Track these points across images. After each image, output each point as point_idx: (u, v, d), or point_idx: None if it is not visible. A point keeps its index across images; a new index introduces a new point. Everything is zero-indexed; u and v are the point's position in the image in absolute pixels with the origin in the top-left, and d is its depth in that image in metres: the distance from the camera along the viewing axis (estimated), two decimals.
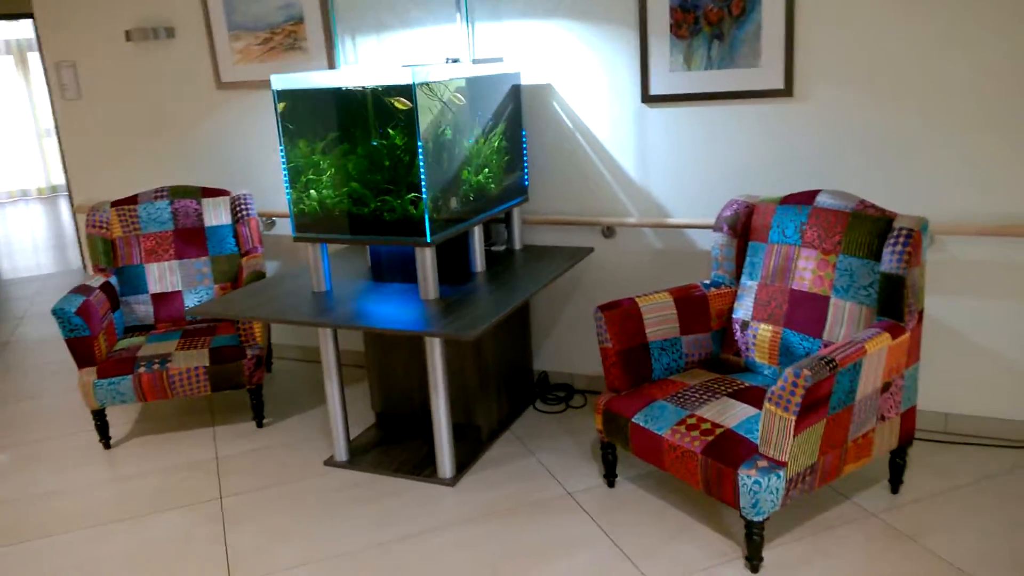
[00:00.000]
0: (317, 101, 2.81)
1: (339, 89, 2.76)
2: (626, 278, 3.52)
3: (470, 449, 3.21)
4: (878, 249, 2.56)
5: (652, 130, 3.30)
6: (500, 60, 3.24)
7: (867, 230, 2.60)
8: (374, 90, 2.70)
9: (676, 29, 3.15)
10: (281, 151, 2.90)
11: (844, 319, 2.62)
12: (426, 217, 2.73)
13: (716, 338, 2.99)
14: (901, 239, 2.48)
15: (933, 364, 3.09)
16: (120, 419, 3.79)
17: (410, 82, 2.63)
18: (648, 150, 3.33)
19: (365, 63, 3.74)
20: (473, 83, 3.05)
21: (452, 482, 2.99)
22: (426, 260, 2.81)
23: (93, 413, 3.43)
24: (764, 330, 2.83)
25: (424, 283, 2.84)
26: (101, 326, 3.51)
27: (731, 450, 2.35)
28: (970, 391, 3.07)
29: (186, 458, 3.34)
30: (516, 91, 3.33)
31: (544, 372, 3.78)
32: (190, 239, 3.90)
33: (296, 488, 3.04)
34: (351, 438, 3.40)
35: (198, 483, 3.13)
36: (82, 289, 3.55)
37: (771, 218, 2.87)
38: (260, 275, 3.61)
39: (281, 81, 2.83)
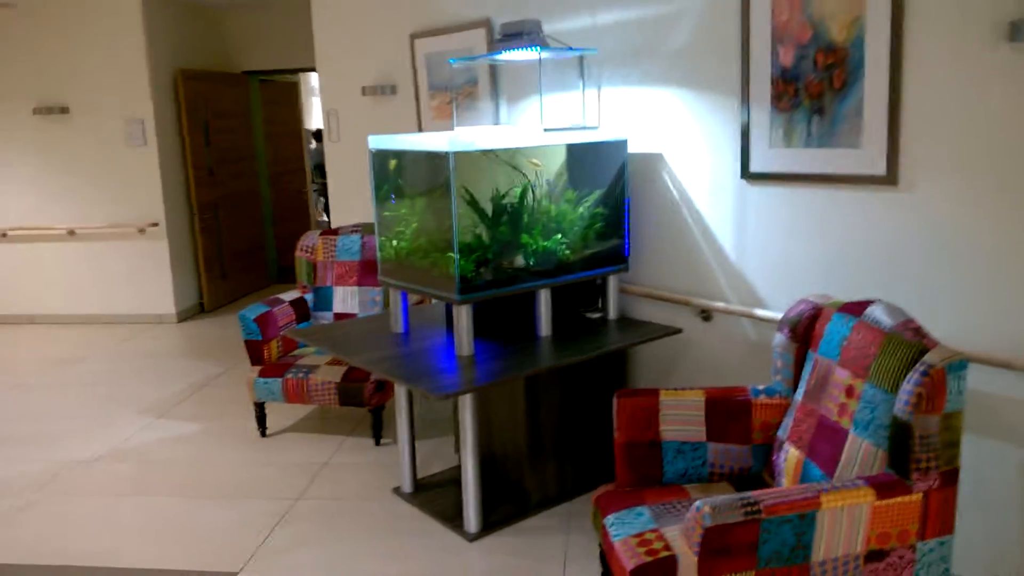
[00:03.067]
0: (403, 161, 3.10)
1: (405, 152, 3.01)
2: (724, 365, 3.21)
3: (512, 512, 3.21)
4: (901, 383, 2.06)
5: (751, 209, 2.99)
6: (595, 128, 3.21)
7: (897, 357, 2.10)
8: (432, 154, 2.90)
9: (777, 101, 2.83)
10: (373, 202, 3.24)
11: (858, 460, 2.15)
12: (456, 275, 2.85)
13: (758, 453, 2.63)
14: (916, 376, 1.98)
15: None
16: (295, 413, 4.46)
17: (448, 150, 2.78)
18: (747, 231, 3.02)
19: (510, 123, 3.93)
20: (561, 150, 3.08)
21: (473, 538, 3.04)
22: (461, 316, 2.93)
23: (255, 405, 4.12)
24: (792, 455, 2.42)
25: (458, 338, 2.95)
26: (277, 333, 4.19)
27: None
28: None
29: (305, 458, 3.85)
30: (621, 158, 3.26)
31: None
32: (371, 270, 4.45)
33: (357, 505, 3.35)
34: (435, 472, 3.61)
35: (294, 480, 3.60)
36: (271, 301, 4.28)
37: (826, 325, 2.45)
38: None
39: (375, 141, 3.17)
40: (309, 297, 4.51)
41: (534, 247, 3.07)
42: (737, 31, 2.91)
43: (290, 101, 8.69)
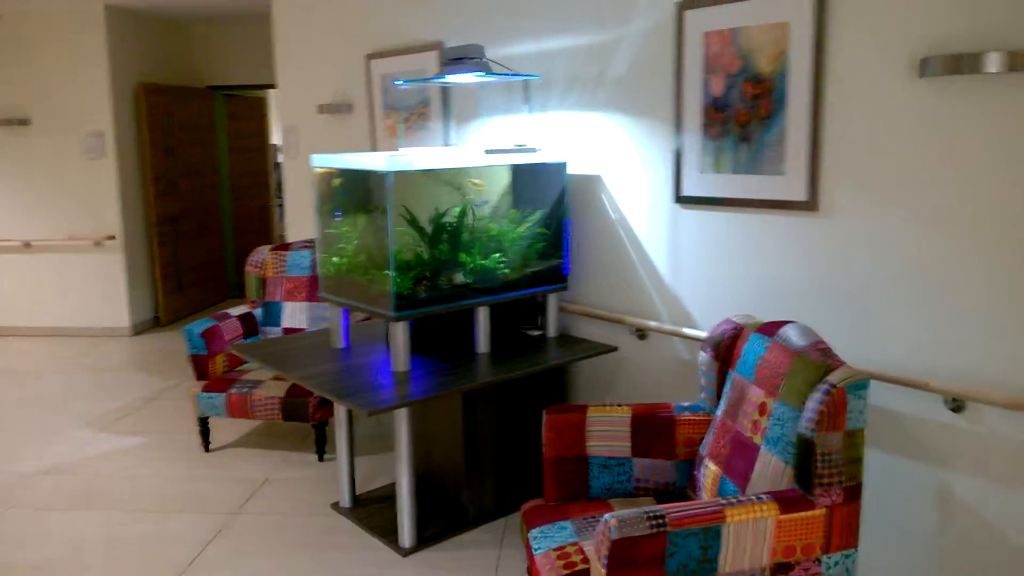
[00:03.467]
0: (344, 179, 3.14)
1: (346, 170, 3.06)
2: (658, 382, 3.28)
3: (449, 526, 3.24)
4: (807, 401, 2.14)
5: (684, 232, 3.07)
6: (535, 150, 3.29)
7: (804, 377, 2.18)
8: (371, 173, 2.95)
9: (708, 128, 2.92)
10: (315, 219, 3.28)
11: (768, 475, 2.22)
12: (392, 293, 2.89)
13: (682, 468, 2.68)
14: (818, 395, 2.05)
15: (956, 562, 2.42)
16: (240, 428, 4.45)
17: (385, 169, 2.83)
18: (680, 252, 3.10)
19: (459, 143, 4.00)
20: (503, 171, 3.15)
21: (406, 552, 3.06)
22: (397, 333, 2.97)
23: (198, 420, 4.11)
24: (711, 470, 2.48)
25: (395, 355, 2.99)
26: (223, 348, 4.20)
27: None
28: None
29: (246, 473, 3.85)
30: (561, 180, 3.34)
31: None
32: None
33: (294, 521, 3.35)
34: (376, 487, 3.62)
35: (233, 496, 3.60)
36: (219, 316, 4.29)
37: (744, 345, 2.52)
38: None
39: (317, 159, 3.21)
40: (258, 312, 4.52)
41: (472, 265, 3.12)
42: (672, 61, 3.01)
43: (256, 116, 8.71)
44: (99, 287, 6.65)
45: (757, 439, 2.29)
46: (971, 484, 2.37)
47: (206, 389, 4.00)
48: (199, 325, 4.13)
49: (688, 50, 2.93)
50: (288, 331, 4.48)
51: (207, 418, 4.12)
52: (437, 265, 3.04)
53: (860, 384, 2.05)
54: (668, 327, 3.15)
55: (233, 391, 3.94)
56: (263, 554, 3.09)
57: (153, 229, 6.90)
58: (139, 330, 6.81)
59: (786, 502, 2.04)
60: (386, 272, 2.91)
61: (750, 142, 2.79)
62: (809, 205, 2.65)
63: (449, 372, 3.01)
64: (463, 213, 3.11)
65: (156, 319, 7.07)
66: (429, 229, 3.05)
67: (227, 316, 4.33)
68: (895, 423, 2.53)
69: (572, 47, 3.37)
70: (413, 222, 3.02)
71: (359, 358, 3.19)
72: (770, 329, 2.44)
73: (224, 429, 4.45)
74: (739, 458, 2.35)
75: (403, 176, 2.91)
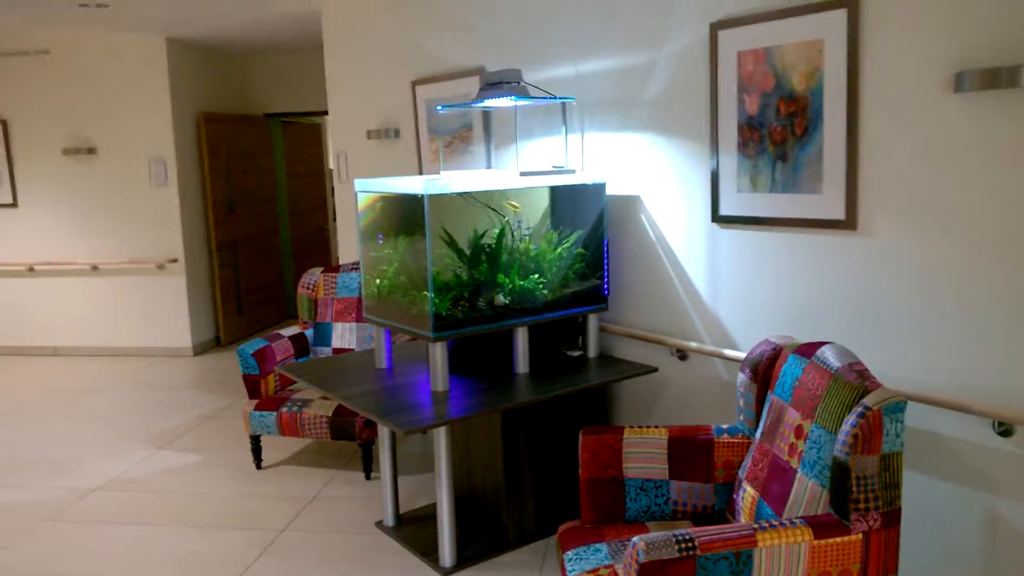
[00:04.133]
0: (385, 203, 3.22)
1: (387, 194, 3.13)
2: (699, 404, 3.25)
3: (489, 546, 3.26)
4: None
5: (722, 252, 3.05)
6: (572, 171, 3.31)
7: (840, 399, 2.14)
8: (409, 196, 3.01)
9: (743, 147, 2.91)
10: (358, 242, 3.36)
11: (804, 500, 2.18)
12: (431, 314, 2.94)
13: (721, 491, 2.65)
14: (853, 418, 2.01)
15: None
16: (292, 447, 4.56)
17: (423, 192, 2.89)
18: (719, 272, 3.08)
19: (501, 166, 4.05)
20: (541, 192, 3.18)
21: (447, 572, 3.09)
22: (435, 354, 3.01)
23: (250, 438, 4.22)
24: (748, 494, 2.45)
25: (433, 374, 3.04)
26: (275, 368, 4.31)
27: None
28: None
29: (295, 491, 3.94)
30: (600, 200, 3.35)
31: None
32: None
33: (339, 539, 3.41)
34: (420, 507, 3.67)
35: (282, 513, 3.68)
36: (271, 336, 4.41)
37: (782, 366, 2.49)
38: None
39: (360, 184, 3.30)
40: (309, 333, 4.63)
41: (511, 286, 3.16)
42: (706, 80, 3.01)
43: (313, 142, 8.95)
44: (162, 309, 6.89)
45: (794, 463, 2.26)
46: (1020, 510, 2.28)
47: (258, 408, 4.11)
48: (252, 345, 4.25)
49: (722, 69, 2.92)
50: (338, 351, 4.58)
51: (259, 436, 4.23)
52: (475, 286, 3.09)
53: (896, 406, 2.01)
54: (708, 347, 3.12)
55: (284, 410, 4.04)
56: (307, 572, 3.15)
57: (214, 253, 7.14)
58: (200, 351, 7.03)
59: (820, 527, 2.01)
60: (425, 293, 2.97)
61: (786, 160, 2.77)
62: (847, 224, 2.61)
63: (488, 392, 3.04)
64: (501, 234, 3.15)
65: (217, 339, 7.29)
66: (468, 251, 3.10)
67: (279, 336, 4.44)
68: (940, 446, 2.46)
69: (609, 69, 3.39)
70: (452, 244, 3.07)
71: (401, 378, 3.25)
72: (807, 350, 2.41)
73: (276, 447, 4.56)
74: (776, 482, 2.32)
75: (440, 199, 2.96)
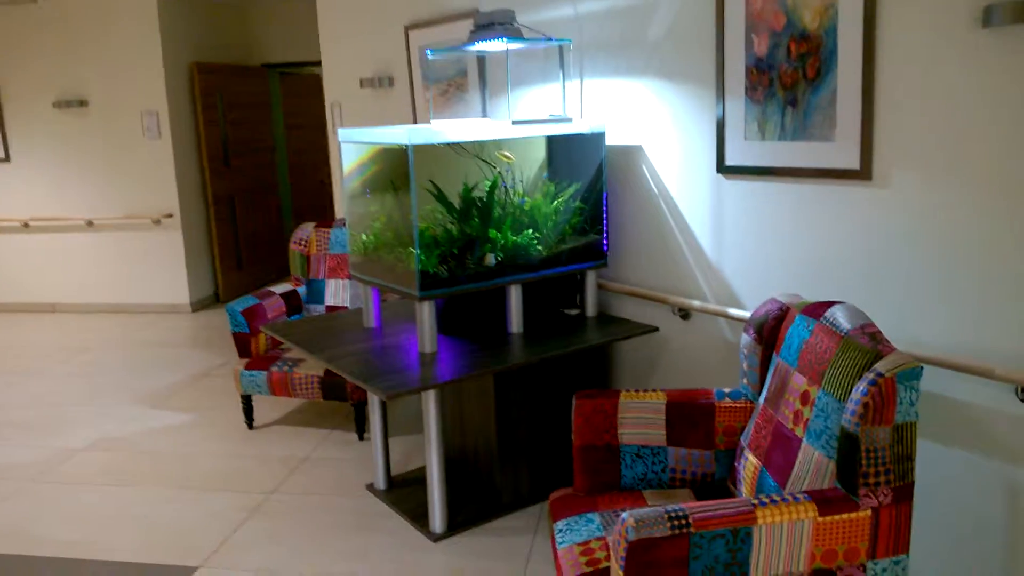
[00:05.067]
0: (369, 154, 3.04)
1: (371, 144, 2.95)
2: (703, 366, 3.10)
3: (482, 511, 3.15)
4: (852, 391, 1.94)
5: (727, 204, 2.87)
6: (568, 120, 3.11)
7: (850, 364, 1.98)
8: (393, 147, 2.83)
9: (751, 92, 2.70)
10: (344, 197, 3.19)
11: (809, 471, 2.03)
12: (416, 271, 2.79)
13: (722, 459, 2.51)
14: (863, 385, 1.85)
15: None
16: (284, 406, 4.45)
17: (406, 143, 2.71)
18: (724, 226, 2.90)
19: (495, 115, 3.85)
20: (536, 143, 2.99)
21: (438, 538, 2.99)
22: (423, 313, 2.86)
23: (242, 398, 4.11)
24: (750, 462, 2.31)
25: (421, 335, 2.89)
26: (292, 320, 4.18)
27: None
28: None
29: (287, 451, 3.83)
30: (599, 151, 3.16)
31: None
32: None
33: (329, 501, 3.31)
34: (413, 468, 3.56)
35: (272, 474, 3.59)
36: (262, 294, 4.27)
37: (789, 327, 2.33)
38: None
39: (343, 134, 3.12)
40: (302, 290, 4.49)
41: (503, 242, 2.99)
42: (712, 19, 2.79)
43: (313, 93, 8.71)
44: (159, 264, 6.77)
45: (799, 431, 2.11)
46: None
47: (248, 367, 3.99)
48: (242, 303, 4.12)
49: (729, 7, 2.70)
50: (331, 309, 4.44)
51: (250, 396, 4.12)
52: (466, 242, 2.92)
53: (911, 373, 1.84)
54: (712, 307, 2.96)
55: (275, 369, 3.92)
56: (294, 535, 3.06)
57: (210, 207, 6.98)
58: (199, 307, 6.92)
59: (826, 503, 1.86)
60: (411, 250, 2.81)
61: (797, 106, 2.56)
62: (861, 174, 2.42)
63: (479, 353, 2.90)
64: (493, 187, 2.97)
65: (216, 296, 7.17)
66: (458, 204, 2.92)
67: (271, 294, 4.31)
68: (958, 413, 2.30)
69: (609, 9, 3.17)
70: (440, 197, 2.90)
71: (391, 338, 3.11)
72: (816, 310, 2.24)
73: (270, 407, 4.45)
74: (779, 451, 2.17)
75: (426, 150, 2.78)
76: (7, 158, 6.80)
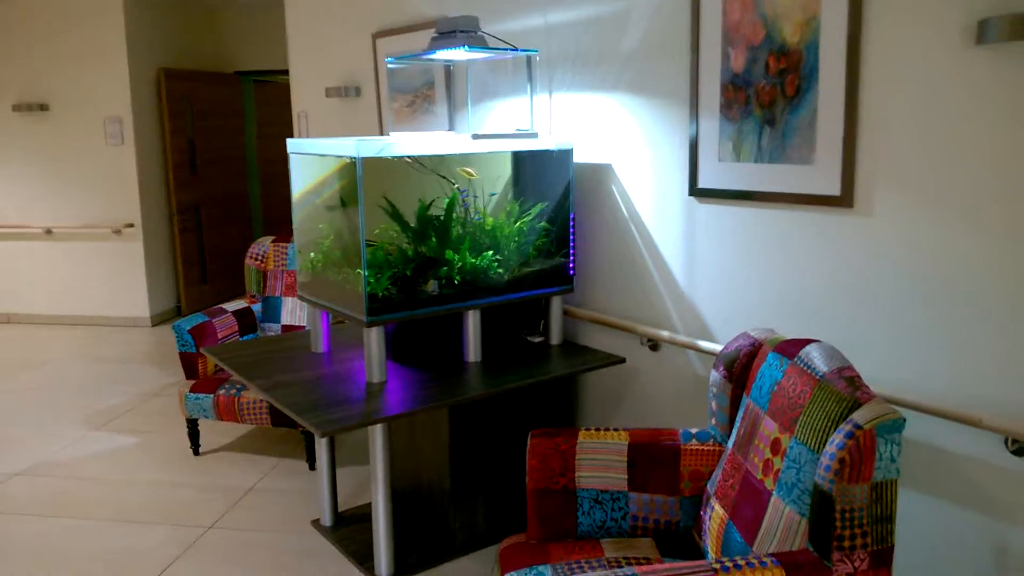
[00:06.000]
0: (317, 166, 2.83)
1: (321, 156, 2.75)
2: (673, 403, 2.90)
3: (434, 553, 2.92)
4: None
5: (700, 230, 2.68)
6: (534, 135, 2.92)
7: (825, 411, 1.79)
8: (339, 159, 2.63)
9: (727, 110, 2.52)
10: (292, 210, 2.99)
11: (778, 528, 1.83)
12: (364, 295, 2.58)
13: (687, 506, 2.31)
14: (839, 438, 1.66)
15: None
16: (234, 431, 4.21)
17: (355, 155, 2.51)
18: (696, 253, 2.71)
19: (463, 128, 3.66)
20: (499, 159, 2.80)
21: None
22: (370, 340, 2.65)
23: (187, 421, 3.87)
24: (716, 513, 2.11)
25: (368, 364, 2.68)
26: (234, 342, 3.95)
27: None
28: None
29: (231, 481, 3.59)
30: (566, 169, 2.97)
31: None
32: None
33: (270, 538, 3.08)
34: (363, 503, 3.33)
35: (212, 506, 3.35)
36: (213, 311, 4.04)
37: (761, 365, 2.13)
38: None
39: (291, 144, 2.91)
40: (257, 307, 4.27)
41: (460, 264, 2.79)
42: (688, 31, 2.61)
43: (288, 102, 8.47)
44: (119, 276, 6.52)
45: (768, 483, 1.91)
46: None
47: (193, 389, 3.76)
48: (189, 321, 3.89)
49: (706, 18, 2.53)
50: (288, 328, 4.22)
51: (196, 420, 3.88)
52: (419, 264, 2.72)
53: (893, 425, 1.65)
54: (682, 338, 2.76)
55: (221, 392, 3.69)
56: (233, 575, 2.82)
57: (174, 216, 6.74)
58: (159, 320, 6.66)
59: (795, 567, 1.66)
60: (359, 271, 2.60)
61: (775, 125, 2.39)
62: (842, 200, 2.24)
63: (432, 384, 2.69)
64: (451, 205, 2.78)
65: (178, 309, 6.92)
66: (413, 223, 2.72)
67: (222, 311, 4.08)
68: (943, 462, 2.11)
69: (580, 19, 2.99)
70: (395, 215, 2.70)
71: (339, 364, 2.89)
72: (790, 349, 2.05)
73: (218, 431, 4.21)
74: (747, 504, 1.97)
75: (378, 163, 2.58)
76: None
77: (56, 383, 5.06)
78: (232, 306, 4.17)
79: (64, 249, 6.55)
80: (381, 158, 2.58)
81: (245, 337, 4.16)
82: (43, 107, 6.34)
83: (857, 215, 2.22)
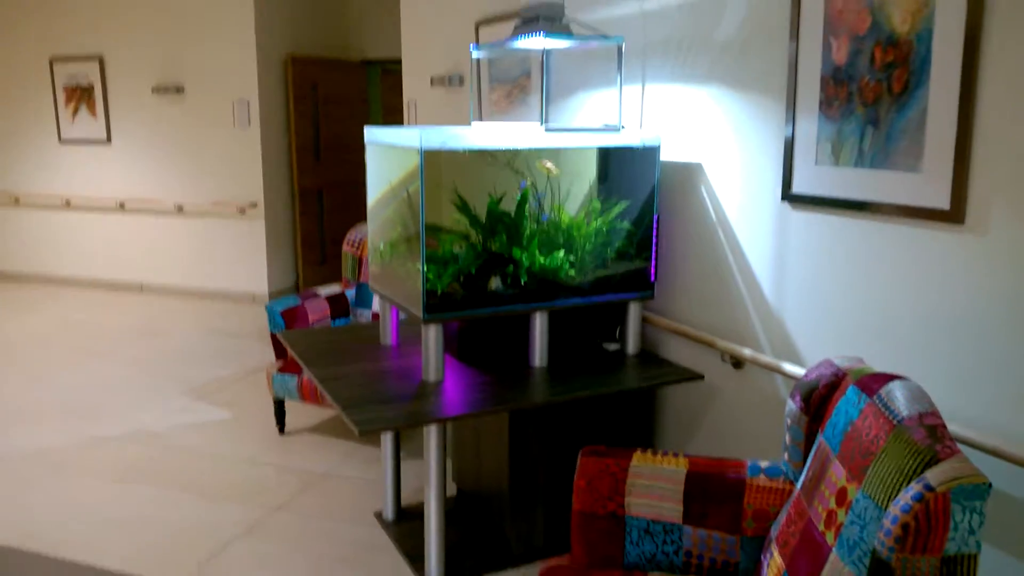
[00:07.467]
0: (391, 157, 2.77)
1: (392, 146, 2.68)
2: (754, 426, 2.65)
3: (487, 560, 2.82)
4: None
5: (792, 238, 2.42)
6: (617, 129, 2.73)
7: (898, 463, 1.53)
8: (404, 150, 2.55)
9: (826, 107, 2.24)
10: (368, 202, 2.94)
11: None
12: (422, 292, 2.49)
13: (748, 547, 2.08)
14: (907, 497, 1.41)
15: None
16: (321, 413, 4.26)
17: (417, 146, 2.41)
18: (787, 265, 2.45)
19: (557, 120, 3.50)
20: (581, 154, 2.65)
21: None
22: (428, 338, 2.56)
23: (274, 401, 3.95)
24: (775, 562, 1.88)
25: (425, 361, 2.59)
26: (306, 328, 4.00)
27: None
28: None
29: (308, 464, 3.63)
30: (652, 166, 2.77)
31: None
32: None
33: (331, 527, 3.08)
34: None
35: (284, 488, 3.38)
36: (306, 295, 4.09)
37: (840, 399, 1.88)
38: None
39: (369, 133, 2.86)
40: (351, 293, 4.30)
41: (528, 264, 2.65)
42: (787, 18, 2.35)
43: None
44: (242, 253, 6.80)
45: (830, 537, 1.67)
46: None
47: (281, 370, 3.82)
48: (282, 303, 3.96)
49: (807, 3, 2.26)
50: (377, 316, 4.22)
51: (283, 400, 3.95)
52: (484, 261, 2.60)
53: (974, 491, 1.38)
54: (765, 358, 2.51)
55: (307, 374, 3.73)
56: (283, 562, 2.83)
57: (296, 199, 6.95)
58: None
59: None
60: (418, 266, 2.51)
61: (878, 126, 2.10)
62: (952, 215, 1.93)
63: (491, 387, 2.57)
64: (523, 201, 2.64)
65: (297, 288, 7.15)
66: (482, 218, 2.61)
67: (315, 295, 4.13)
68: None
69: (673, 5, 2.77)
70: (464, 208, 2.59)
71: (402, 359, 2.83)
72: (872, 384, 1.79)
73: (306, 413, 4.28)
74: (805, 557, 1.74)
75: (442, 156, 2.48)
76: (108, 140, 7.00)
77: (170, 353, 5.32)
78: (326, 290, 4.21)
79: (193, 225, 6.90)
80: (454, 150, 2.48)
81: (336, 322, 4.19)
82: (179, 89, 6.69)
83: (968, 233, 1.91)
